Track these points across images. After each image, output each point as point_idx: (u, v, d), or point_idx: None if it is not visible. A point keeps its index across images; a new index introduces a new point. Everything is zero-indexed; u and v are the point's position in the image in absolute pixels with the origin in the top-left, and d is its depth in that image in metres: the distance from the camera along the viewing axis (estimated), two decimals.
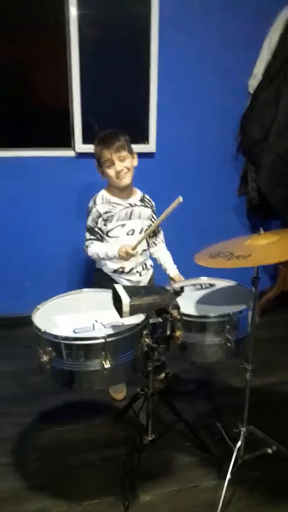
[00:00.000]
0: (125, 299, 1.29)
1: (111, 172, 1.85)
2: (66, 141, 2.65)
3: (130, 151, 1.88)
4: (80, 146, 2.62)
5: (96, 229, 1.88)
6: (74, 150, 2.66)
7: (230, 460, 1.54)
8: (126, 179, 1.87)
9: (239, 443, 1.57)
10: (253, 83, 2.78)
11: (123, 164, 1.84)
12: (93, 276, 2.05)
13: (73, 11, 2.42)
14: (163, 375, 2.15)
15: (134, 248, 1.77)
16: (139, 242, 1.81)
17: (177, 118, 2.77)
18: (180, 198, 1.60)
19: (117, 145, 1.82)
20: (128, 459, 1.62)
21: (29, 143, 2.63)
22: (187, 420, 1.80)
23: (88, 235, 1.89)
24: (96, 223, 1.88)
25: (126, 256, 1.77)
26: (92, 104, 2.59)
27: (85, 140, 2.58)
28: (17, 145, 2.61)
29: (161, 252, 2.07)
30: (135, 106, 2.69)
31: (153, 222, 1.99)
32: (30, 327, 1.43)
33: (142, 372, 1.60)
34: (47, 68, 2.60)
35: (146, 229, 1.94)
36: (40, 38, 2.53)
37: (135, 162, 1.91)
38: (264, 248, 1.45)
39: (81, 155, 2.64)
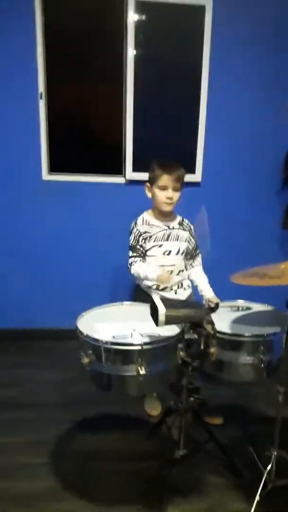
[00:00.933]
0: (161, 309, 1.38)
1: (161, 195, 1.98)
2: (117, 169, 2.89)
3: (181, 184, 2.02)
4: (131, 174, 2.84)
5: (138, 246, 2.00)
6: (124, 177, 2.88)
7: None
8: (170, 207, 2.01)
9: (269, 466, 1.56)
10: None
11: (175, 193, 1.98)
12: (133, 291, 2.16)
13: (130, 52, 2.67)
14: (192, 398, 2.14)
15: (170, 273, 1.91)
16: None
17: (224, 151, 2.91)
18: None
19: (177, 174, 1.97)
20: (158, 472, 1.66)
21: (85, 170, 2.89)
22: (219, 440, 1.80)
23: (131, 253, 2.02)
24: (138, 241, 2.01)
25: (164, 278, 1.87)
26: (144, 137, 2.81)
27: (135, 169, 2.81)
28: (74, 171, 2.89)
29: (197, 275, 2.12)
30: (184, 139, 2.88)
31: (190, 243, 2.10)
32: (71, 341, 1.56)
33: (175, 387, 1.66)
34: (105, 104, 2.88)
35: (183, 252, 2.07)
36: (99, 79, 2.83)
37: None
38: None
39: (130, 182, 2.86)
